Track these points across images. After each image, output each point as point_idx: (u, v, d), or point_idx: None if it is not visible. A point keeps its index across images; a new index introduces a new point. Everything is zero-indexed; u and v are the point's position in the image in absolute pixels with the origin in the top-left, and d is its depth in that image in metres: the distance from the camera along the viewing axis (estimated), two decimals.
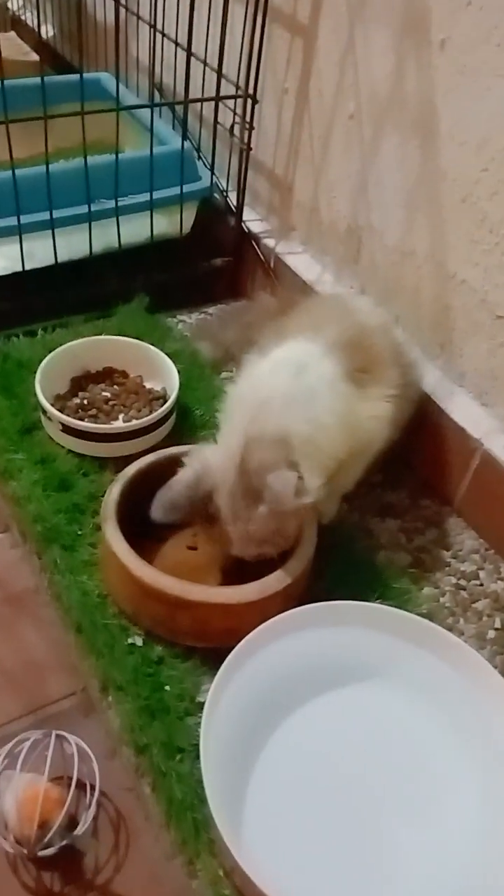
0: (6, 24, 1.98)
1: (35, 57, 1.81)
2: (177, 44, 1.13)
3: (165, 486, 0.72)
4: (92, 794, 0.65)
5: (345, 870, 0.59)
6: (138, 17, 1.26)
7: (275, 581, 0.69)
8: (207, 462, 0.71)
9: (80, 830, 0.63)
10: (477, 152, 0.79)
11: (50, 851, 0.62)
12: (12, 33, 1.96)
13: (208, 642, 0.70)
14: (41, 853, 0.62)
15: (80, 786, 0.65)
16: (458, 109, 0.80)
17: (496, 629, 0.79)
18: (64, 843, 0.62)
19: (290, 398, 0.71)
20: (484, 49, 0.76)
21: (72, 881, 0.63)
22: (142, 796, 0.66)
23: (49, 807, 0.62)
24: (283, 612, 0.68)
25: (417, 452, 0.92)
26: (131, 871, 0.64)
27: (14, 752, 0.65)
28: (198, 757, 0.62)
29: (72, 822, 0.64)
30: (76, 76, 1.19)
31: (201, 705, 0.66)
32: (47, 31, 1.83)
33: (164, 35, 1.16)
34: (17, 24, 1.97)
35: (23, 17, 1.94)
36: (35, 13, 1.86)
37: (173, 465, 0.78)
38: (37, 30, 1.82)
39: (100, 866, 0.64)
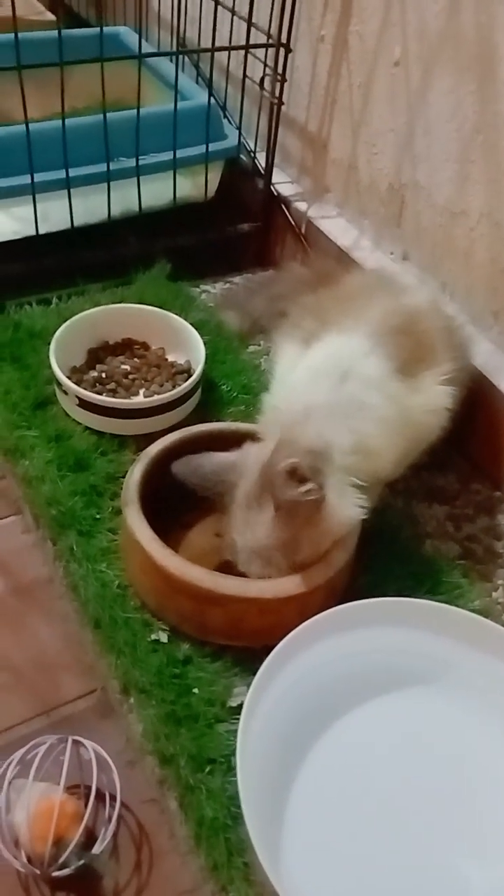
0: None
1: (50, 16, 1.73)
2: None
3: (205, 453, 0.67)
4: (112, 807, 0.59)
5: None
6: None
7: (316, 573, 0.62)
8: (247, 457, 0.65)
9: (98, 849, 0.57)
10: None
11: (65, 872, 0.55)
12: None
13: (242, 641, 0.63)
14: (56, 874, 0.55)
15: (99, 797, 0.59)
16: None
17: None
18: (81, 862, 0.56)
19: (334, 408, 0.65)
20: None
21: None
22: (167, 811, 0.60)
23: (65, 822, 0.56)
24: (324, 608, 0.61)
25: (467, 433, 0.84)
26: (156, 892, 0.57)
27: (27, 758, 0.59)
28: (230, 770, 0.55)
29: (89, 839, 0.57)
30: (95, 29, 1.11)
31: (233, 711, 0.60)
32: None
33: None
34: None
35: None
36: None
37: (200, 443, 0.71)
38: None
39: (119, 890, 0.58)
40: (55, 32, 0.88)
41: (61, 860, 0.55)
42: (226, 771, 0.57)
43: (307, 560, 0.63)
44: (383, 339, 0.69)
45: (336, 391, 0.67)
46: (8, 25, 0.92)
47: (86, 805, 0.57)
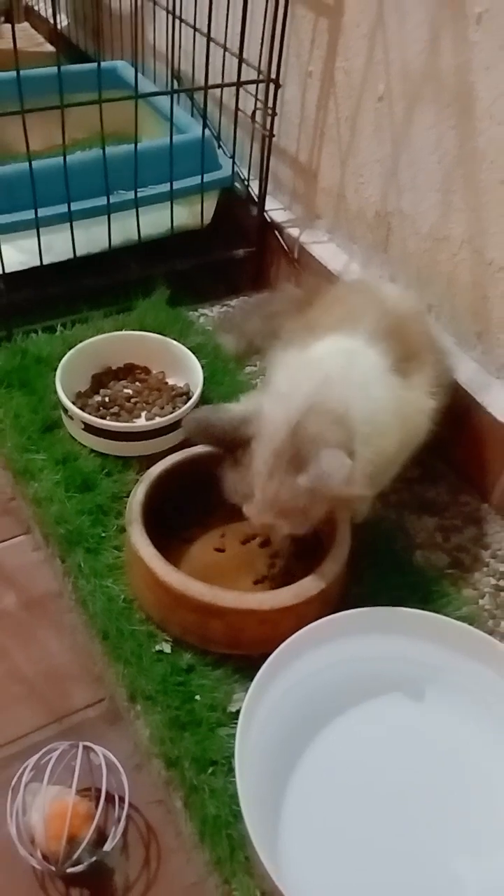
0: (20, 15, 1.95)
1: (49, 48, 1.78)
2: (195, 29, 1.10)
3: (211, 407, 0.69)
4: (121, 808, 0.63)
5: (396, 889, 0.56)
6: (155, 3, 1.23)
7: (311, 585, 0.66)
8: (261, 409, 0.66)
9: (109, 846, 0.61)
10: None
11: (79, 868, 0.59)
12: (26, 24, 1.93)
13: (242, 650, 0.67)
14: (69, 870, 0.59)
15: (109, 798, 0.63)
16: (497, 87, 0.76)
17: None
18: (93, 859, 0.60)
19: (351, 379, 0.68)
20: None
21: None
22: (173, 810, 0.64)
23: (77, 822, 0.59)
24: (320, 617, 0.65)
25: (455, 447, 0.88)
26: (163, 890, 0.61)
27: (40, 763, 0.63)
28: (231, 770, 0.59)
29: (101, 838, 0.61)
30: (92, 65, 1.16)
31: (233, 716, 0.64)
32: (61, 21, 1.80)
33: (182, 21, 1.13)
34: (30, 15, 1.94)
35: (36, 8, 1.91)
36: (49, 3, 1.84)
37: (199, 464, 0.75)
38: (51, 20, 1.80)
39: (130, 884, 0.62)
40: (55, 69, 0.91)
41: (74, 857, 0.59)
42: (227, 772, 0.61)
43: (312, 515, 0.65)
44: (377, 339, 0.72)
45: (350, 366, 0.69)
46: (9, 58, 0.97)
47: (97, 806, 0.60)
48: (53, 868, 0.59)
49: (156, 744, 0.64)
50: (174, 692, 0.66)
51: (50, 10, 1.82)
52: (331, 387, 0.65)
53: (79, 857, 0.59)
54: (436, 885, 0.57)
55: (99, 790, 0.62)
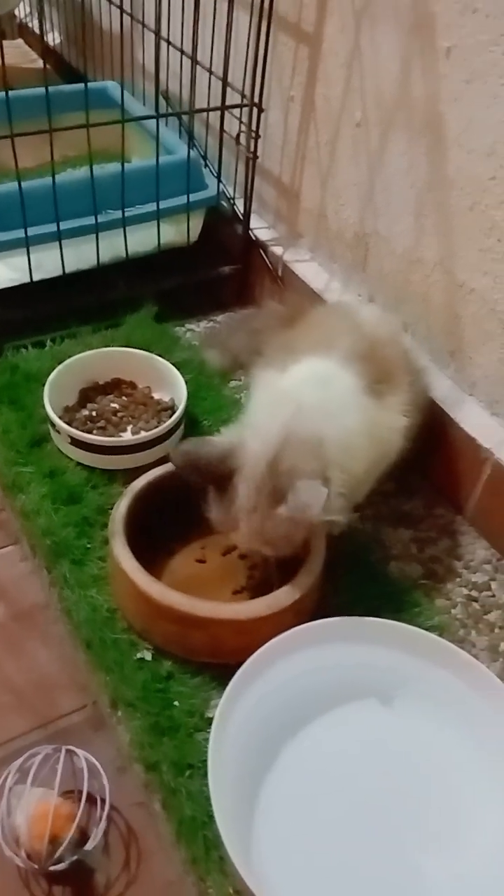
0: (14, 32, 1.99)
1: (41, 64, 1.81)
2: (182, 52, 1.13)
3: (199, 440, 0.72)
4: (102, 809, 0.65)
5: (363, 887, 0.59)
6: (143, 25, 1.26)
7: (284, 596, 0.69)
8: (243, 444, 0.69)
9: (90, 846, 0.63)
10: (485, 160, 0.79)
11: (61, 867, 0.62)
12: (19, 40, 1.97)
13: (221, 658, 0.69)
14: (52, 868, 0.62)
15: (91, 800, 0.65)
16: (465, 117, 0.80)
17: None
18: (75, 858, 0.62)
19: (323, 407, 0.71)
20: (491, 57, 0.75)
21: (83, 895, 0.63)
22: (152, 812, 0.66)
23: (60, 822, 0.62)
24: (294, 626, 0.68)
25: (430, 461, 0.92)
26: (142, 888, 0.64)
27: (24, 766, 0.66)
28: (207, 774, 0.61)
29: (82, 838, 0.64)
30: (82, 85, 1.19)
31: (211, 721, 0.66)
32: (54, 38, 1.84)
33: (169, 43, 1.16)
34: (23, 31, 1.98)
35: (29, 25, 1.94)
36: (41, 20, 1.87)
37: (182, 478, 0.78)
38: (43, 37, 1.83)
39: (111, 883, 0.64)
40: (44, 89, 0.93)
41: (57, 856, 0.61)
42: (204, 775, 0.63)
43: (297, 539, 0.70)
44: (352, 362, 0.75)
45: (323, 393, 0.72)
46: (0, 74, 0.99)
47: (79, 808, 0.63)
48: (37, 866, 0.62)
49: (136, 748, 0.67)
50: (154, 699, 0.69)
51: (42, 28, 1.85)
52: (303, 417, 0.69)
53: (61, 856, 0.61)
54: (400, 880, 0.60)
55: (81, 792, 0.65)
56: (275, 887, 0.54)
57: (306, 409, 0.70)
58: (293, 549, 0.71)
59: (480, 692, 0.66)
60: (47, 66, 1.74)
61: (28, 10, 1.95)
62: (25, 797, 0.64)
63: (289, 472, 0.66)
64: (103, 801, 0.66)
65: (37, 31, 1.89)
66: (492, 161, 0.78)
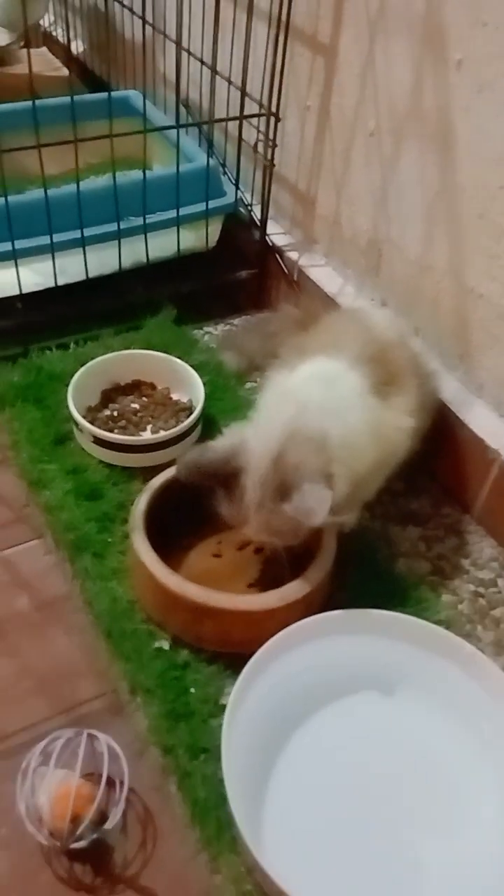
0: (38, 40, 2.04)
1: (66, 71, 1.86)
2: (202, 62, 1.16)
3: (199, 447, 0.74)
4: (121, 791, 0.68)
5: (364, 876, 0.62)
6: (165, 36, 1.30)
7: (295, 589, 0.72)
8: (245, 442, 0.72)
9: (109, 825, 0.66)
10: (494, 169, 0.81)
11: (81, 844, 0.65)
12: (44, 48, 2.01)
13: (232, 648, 0.73)
14: (73, 846, 0.65)
15: (110, 783, 0.68)
16: (475, 127, 0.82)
17: None
18: (94, 836, 0.65)
19: (327, 405, 0.74)
20: (500, 68, 0.77)
21: (102, 874, 0.66)
22: (168, 795, 0.69)
23: (81, 802, 0.65)
24: (304, 619, 0.70)
25: (439, 462, 0.94)
26: (158, 866, 0.67)
27: (47, 749, 0.69)
28: (220, 757, 0.64)
29: (102, 818, 0.67)
30: (105, 95, 1.23)
31: (224, 708, 0.69)
32: (77, 47, 1.88)
33: (189, 53, 1.19)
34: (48, 40, 2.02)
35: (54, 33, 1.99)
36: (65, 29, 1.92)
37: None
38: (67, 45, 1.88)
39: (128, 861, 0.67)
40: (69, 99, 0.97)
41: (77, 834, 0.64)
42: (217, 759, 0.66)
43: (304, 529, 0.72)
44: (359, 364, 0.78)
45: (327, 391, 0.75)
46: (25, 82, 1.03)
47: (99, 789, 0.66)
48: (58, 844, 0.65)
49: (153, 733, 0.70)
50: (171, 686, 0.72)
51: (66, 37, 1.90)
52: (307, 415, 0.71)
53: (81, 835, 0.65)
54: (400, 861, 0.62)
55: (101, 775, 0.68)
56: (284, 866, 0.57)
57: (310, 406, 0.72)
58: (301, 538, 0.73)
59: (484, 684, 0.68)
60: (71, 73, 1.79)
61: (52, 18, 1.99)
62: (48, 778, 0.67)
63: (293, 468, 0.68)
64: (122, 783, 0.69)
65: (61, 39, 1.94)
66: (501, 170, 0.80)
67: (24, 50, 1.79)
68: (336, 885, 0.59)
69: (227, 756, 0.62)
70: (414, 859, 0.62)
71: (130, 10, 1.41)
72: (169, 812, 0.69)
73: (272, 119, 1.09)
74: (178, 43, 1.20)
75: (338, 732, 0.70)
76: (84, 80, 1.83)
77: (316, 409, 0.72)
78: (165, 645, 0.76)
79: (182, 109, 1.28)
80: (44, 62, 1.94)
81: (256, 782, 0.65)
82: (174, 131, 1.19)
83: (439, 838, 0.63)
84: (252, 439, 0.72)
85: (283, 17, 1.01)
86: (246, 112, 1.10)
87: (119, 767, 0.69)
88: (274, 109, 1.08)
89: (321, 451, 0.70)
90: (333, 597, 0.79)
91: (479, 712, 0.68)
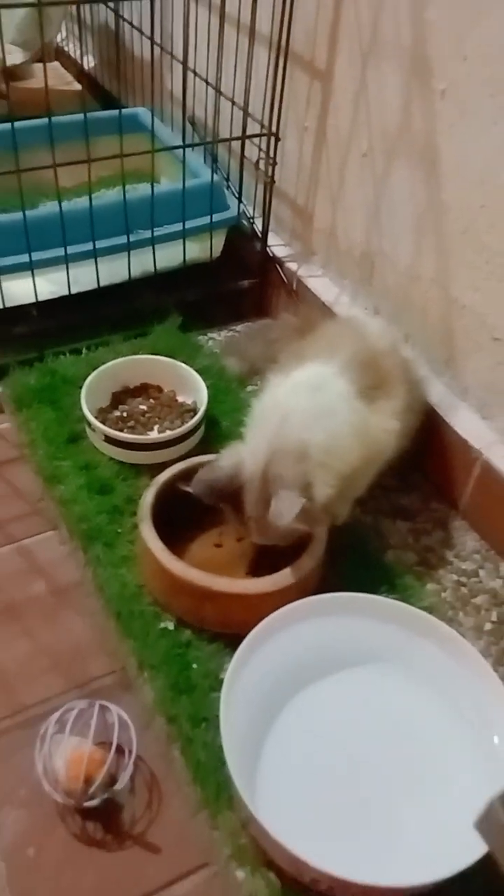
0: (51, 55, 2.11)
1: (77, 86, 1.93)
2: (207, 82, 1.23)
3: (208, 468, 0.81)
4: (129, 757, 0.75)
5: (347, 831, 0.68)
6: (172, 56, 1.37)
7: (288, 575, 0.79)
8: (243, 461, 0.80)
9: (119, 786, 0.73)
10: (476, 189, 0.88)
11: (93, 803, 0.71)
12: (56, 63, 2.09)
13: (230, 628, 0.79)
14: (86, 804, 0.72)
15: (119, 750, 0.74)
16: (458, 150, 0.89)
17: (493, 622, 0.87)
18: (105, 796, 0.72)
19: (310, 413, 0.80)
20: (479, 98, 0.84)
21: (111, 831, 0.73)
22: (172, 760, 0.76)
23: (93, 766, 0.71)
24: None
25: (428, 460, 1.00)
26: (162, 823, 0.74)
27: (63, 718, 0.76)
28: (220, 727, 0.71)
29: (112, 780, 0.73)
30: (116, 112, 1.31)
31: (223, 682, 0.76)
32: (88, 62, 1.96)
33: (195, 74, 1.26)
34: (60, 55, 2.10)
35: (66, 48, 2.06)
36: (77, 45, 1.99)
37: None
38: (79, 60, 1.95)
39: (136, 819, 0.74)
40: (82, 116, 1.04)
41: (89, 794, 0.71)
42: (216, 727, 0.71)
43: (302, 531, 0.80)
44: (350, 369, 0.84)
45: (311, 399, 0.82)
46: (41, 96, 1.09)
47: (109, 754, 0.73)
48: (73, 802, 0.72)
49: (159, 705, 0.77)
50: (175, 662, 0.79)
51: (78, 52, 1.98)
52: (289, 426, 0.79)
53: (93, 794, 0.71)
54: (383, 821, 0.69)
55: (111, 742, 0.74)
56: (275, 820, 0.63)
57: (294, 416, 0.79)
58: (298, 538, 0.81)
59: (460, 661, 0.74)
60: (83, 87, 1.87)
61: (64, 34, 2.07)
62: (63, 744, 0.74)
63: (274, 481, 0.76)
64: (130, 750, 0.75)
65: (72, 54, 2.01)
66: (481, 190, 0.87)
67: (37, 65, 1.86)
68: (321, 837, 0.65)
69: (225, 724, 0.68)
70: (396, 819, 0.69)
71: (139, 30, 1.48)
72: (173, 776, 0.76)
73: (272, 138, 1.15)
74: (185, 63, 1.27)
75: (326, 704, 0.76)
76: (94, 95, 1.90)
77: (299, 418, 0.79)
78: (170, 625, 0.82)
79: (188, 127, 1.35)
80: (56, 76, 2.02)
81: (252, 748, 0.72)
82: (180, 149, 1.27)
83: (419, 800, 0.69)
84: (247, 457, 0.79)
85: (283, 43, 1.08)
86: (248, 132, 1.17)
87: (128, 736, 0.76)
88: (274, 129, 1.15)
89: (300, 462, 0.77)
90: (327, 582, 0.85)
91: (456, 686, 0.74)
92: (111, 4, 1.55)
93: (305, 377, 0.84)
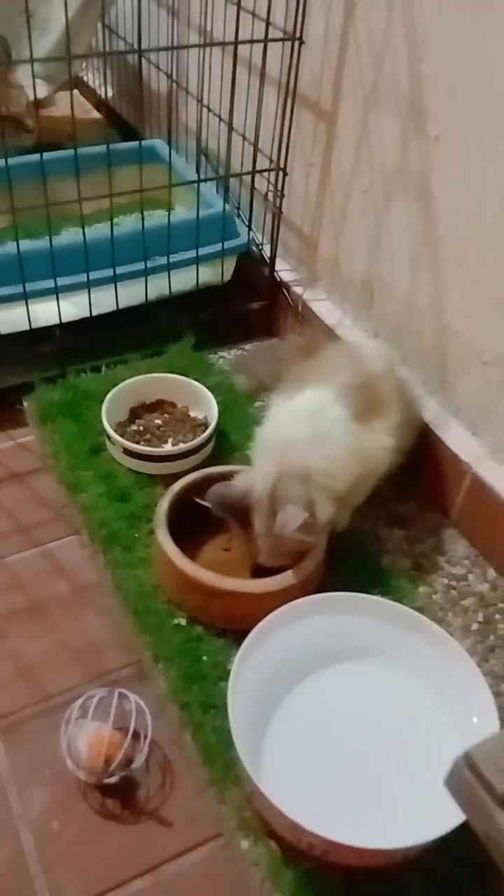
0: (71, 84, 2.21)
1: (96, 114, 2.03)
2: (220, 118, 1.32)
3: (224, 484, 0.89)
4: (145, 740, 0.82)
5: (343, 804, 0.75)
6: (187, 92, 1.46)
7: (290, 576, 0.86)
8: (254, 484, 0.88)
9: (136, 765, 0.81)
10: (466, 225, 0.96)
11: (112, 780, 0.79)
12: (76, 91, 2.19)
13: (237, 624, 0.86)
14: (106, 782, 0.79)
15: (136, 735, 0.81)
16: (450, 190, 0.97)
17: (479, 622, 0.94)
18: (123, 774, 0.79)
19: (309, 440, 0.88)
20: (468, 144, 0.92)
21: (128, 807, 0.80)
22: (184, 744, 0.84)
23: (112, 747, 0.79)
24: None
25: (422, 472, 1.08)
26: (175, 799, 0.81)
27: (85, 705, 0.83)
28: (227, 712, 0.78)
29: (129, 761, 0.81)
30: (135, 144, 1.40)
31: (230, 672, 0.83)
32: (107, 92, 2.05)
33: (209, 110, 1.36)
34: (80, 83, 2.20)
35: (85, 78, 2.16)
36: (96, 75, 2.10)
37: (212, 482, 0.96)
38: (98, 90, 2.05)
39: (150, 796, 0.81)
40: (104, 147, 1.13)
41: (109, 772, 0.79)
42: (225, 713, 0.78)
43: (306, 549, 0.88)
44: (346, 393, 0.92)
45: (310, 426, 0.89)
46: (63, 124, 1.16)
47: (127, 737, 0.80)
48: (94, 779, 0.80)
49: (172, 693, 0.84)
50: (187, 655, 0.86)
51: (96, 82, 2.08)
52: (293, 451, 0.86)
53: (112, 772, 0.79)
54: (376, 796, 0.76)
55: (129, 727, 0.82)
56: (276, 792, 0.70)
57: (296, 442, 0.87)
58: (303, 553, 0.89)
59: (444, 653, 0.81)
60: (102, 116, 1.97)
61: (84, 65, 2.17)
62: (85, 728, 0.81)
63: (280, 500, 0.84)
64: (146, 735, 0.83)
65: (91, 84, 2.11)
66: (471, 226, 0.95)
67: (59, 93, 1.96)
68: (318, 807, 0.71)
69: (232, 710, 0.75)
70: (387, 794, 0.76)
71: (157, 66, 1.58)
72: (184, 757, 0.83)
73: (281, 173, 1.24)
74: (200, 100, 1.36)
75: (324, 692, 0.83)
76: (112, 123, 2.00)
77: (301, 445, 0.87)
78: (183, 622, 0.90)
79: (202, 158, 1.44)
80: (77, 104, 2.11)
81: (256, 731, 0.79)
82: (196, 176, 1.36)
83: (408, 777, 0.76)
84: (257, 480, 0.87)
85: (291, 86, 1.17)
86: (258, 166, 1.25)
87: (144, 721, 0.83)
88: (282, 165, 1.23)
89: (304, 483, 0.85)
90: (327, 583, 0.92)
91: (440, 675, 0.81)
92: (134, 45, 1.64)
93: (305, 404, 0.92)
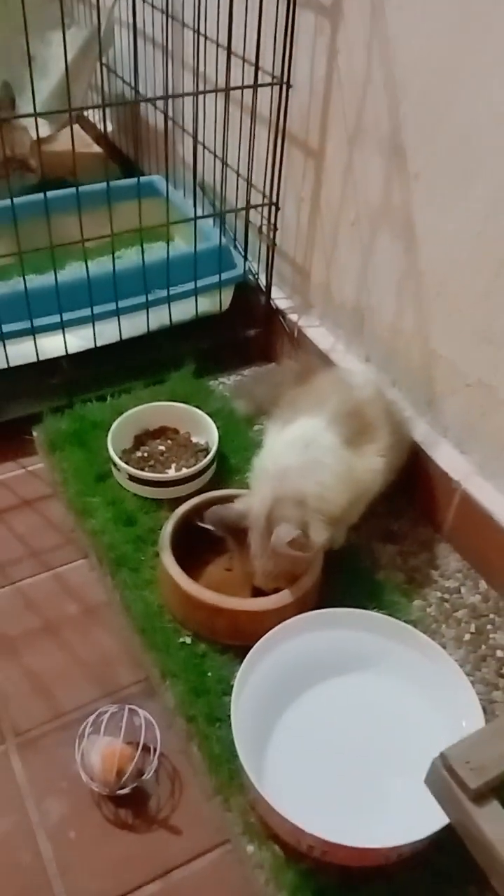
0: (72, 119, 2.29)
1: (97, 148, 2.10)
2: (215, 155, 1.38)
3: (224, 506, 0.94)
4: (155, 753, 0.87)
5: (342, 804, 0.79)
6: (183, 130, 1.53)
7: (288, 594, 0.91)
8: (251, 506, 0.93)
9: (146, 777, 0.85)
10: (445, 258, 1.01)
11: (124, 791, 0.84)
12: (77, 126, 2.27)
13: (239, 641, 0.91)
14: (118, 793, 0.84)
15: (146, 748, 0.87)
16: (430, 225, 1.03)
17: (471, 633, 0.99)
18: (134, 786, 0.84)
19: (303, 468, 0.93)
20: (445, 183, 0.98)
21: (140, 815, 0.85)
22: (191, 755, 0.88)
23: (124, 760, 0.84)
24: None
25: (414, 490, 1.13)
26: (183, 809, 0.86)
27: (97, 721, 0.88)
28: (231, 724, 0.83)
29: (140, 773, 0.85)
30: (134, 180, 1.47)
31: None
32: (106, 126, 2.13)
33: (204, 147, 1.42)
34: (80, 119, 2.27)
35: (85, 113, 2.24)
36: (96, 110, 2.17)
37: (214, 504, 1.01)
38: (98, 125, 2.13)
39: (160, 805, 0.86)
40: (104, 185, 1.19)
41: (121, 783, 0.83)
42: (229, 726, 0.83)
43: (299, 573, 0.93)
44: (336, 421, 0.97)
45: (303, 455, 0.94)
46: (64, 159, 1.21)
47: (137, 750, 0.85)
48: (107, 790, 0.84)
49: (179, 707, 0.89)
50: (192, 670, 0.91)
51: (96, 118, 2.15)
52: (288, 479, 0.91)
53: (124, 784, 0.83)
54: (374, 795, 0.80)
55: (139, 741, 0.86)
56: (278, 798, 0.75)
57: (289, 471, 0.92)
58: (297, 577, 0.93)
59: (436, 663, 0.86)
60: (101, 149, 2.04)
61: (83, 99, 2.25)
62: (98, 743, 0.86)
63: (276, 520, 0.89)
64: (155, 748, 0.87)
65: (91, 118, 2.19)
66: (449, 259, 1.00)
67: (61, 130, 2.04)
68: (318, 811, 0.74)
69: (235, 722, 0.80)
70: (380, 793, 0.80)
71: (154, 105, 1.65)
72: (192, 768, 0.88)
73: (273, 207, 1.30)
74: (195, 137, 1.43)
75: (323, 703, 0.88)
76: (112, 157, 2.07)
77: (295, 472, 0.92)
78: (188, 639, 0.95)
79: (198, 191, 1.51)
80: (77, 139, 2.18)
81: (259, 741, 0.84)
82: (192, 211, 1.42)
83: (403, 776, 0.80)
84: (254, 504, 0.92)
85: (281, 125, 1.23)
86: (252, 201, 1.32)
87: (153, 734, 0.88)
88: (275, 200, 1.29)
89: (299, 507, 0.90)
90: (324, 599, 0.96)
91: (432, 683, 0.86)
92: (132, 84, 1.71)
93: (299, 433, 0.97)
